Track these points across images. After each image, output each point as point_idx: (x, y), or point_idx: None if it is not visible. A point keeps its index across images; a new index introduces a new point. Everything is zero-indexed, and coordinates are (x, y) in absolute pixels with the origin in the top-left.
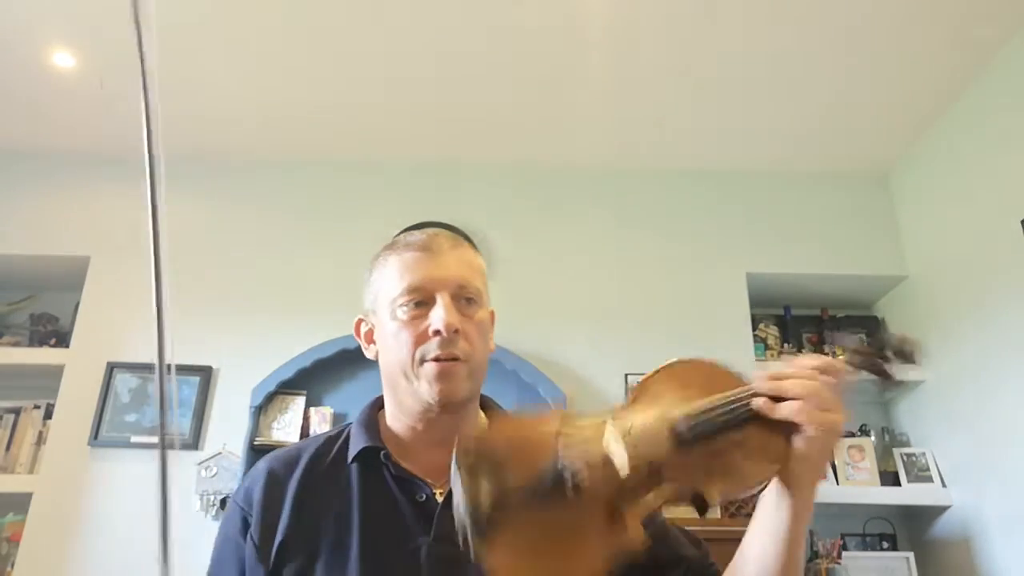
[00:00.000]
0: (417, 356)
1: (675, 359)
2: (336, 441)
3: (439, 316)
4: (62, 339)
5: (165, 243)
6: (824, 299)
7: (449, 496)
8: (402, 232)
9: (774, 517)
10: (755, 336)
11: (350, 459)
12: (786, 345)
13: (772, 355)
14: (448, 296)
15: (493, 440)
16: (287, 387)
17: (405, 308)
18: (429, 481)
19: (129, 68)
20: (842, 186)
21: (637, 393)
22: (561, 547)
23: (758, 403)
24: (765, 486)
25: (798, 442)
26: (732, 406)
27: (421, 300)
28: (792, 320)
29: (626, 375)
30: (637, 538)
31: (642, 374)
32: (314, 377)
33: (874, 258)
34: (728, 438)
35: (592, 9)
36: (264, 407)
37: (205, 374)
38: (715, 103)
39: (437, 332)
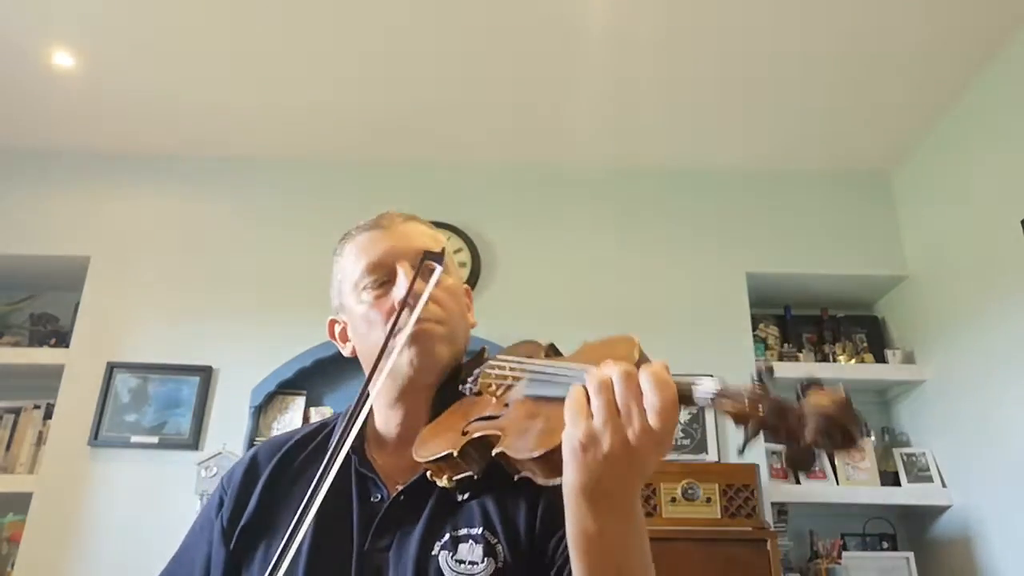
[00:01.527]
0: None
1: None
2: (324, 429)
3: (403, 285)
4: (62, 339)
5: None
6: (824, 299)
7: (394, 502)
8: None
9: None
10: (755, 336)
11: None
12: (786, 345)
13: (772, 355)
14: (408, 265)
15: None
16: (287, 387)
17: (369, 289)
18: (390, 481)
19: (129, 68)
20: (842, 186)
21: (580, 348)
22: (459, 414)
23: (572, 390)
24: (545, 472)
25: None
26: (560, 380)
27: (384, 278)
28: (792, 320)
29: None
30: (463, 436)
31: None
32: (314, 377)
33: (874, 258)
34: (547, 406)
35: (592, 10)
36: (264, 407)
37: (205, 374)
38: (715, 103)
39: (404, 301)
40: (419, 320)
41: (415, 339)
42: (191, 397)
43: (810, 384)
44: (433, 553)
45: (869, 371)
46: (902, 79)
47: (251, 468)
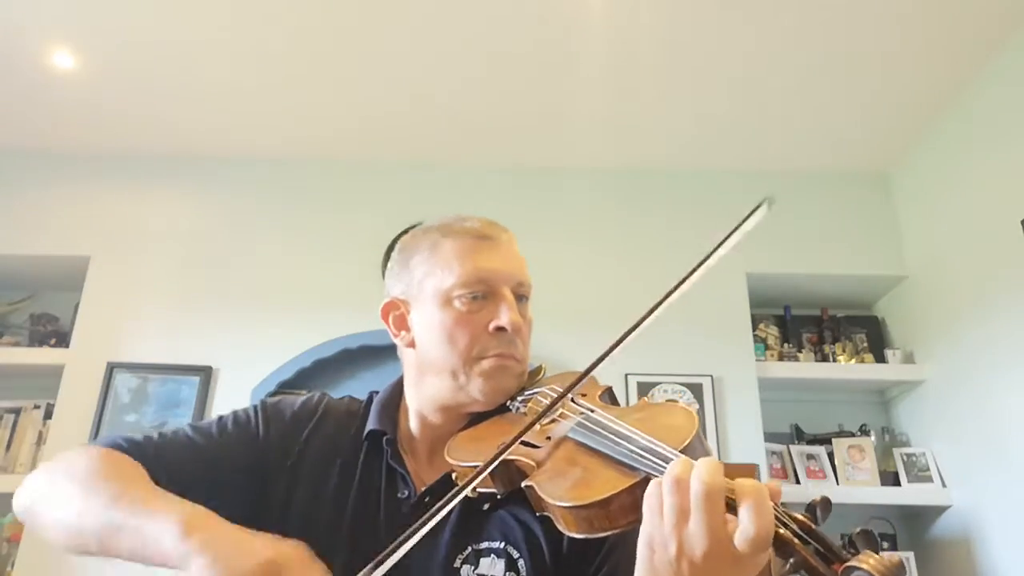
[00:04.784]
0: (475, 352)
1: (692, 410)
2: (357, 418)
3: (506, 315)
4: (62, 339)
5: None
6: (824, 299)
7: (419, 502)
8: (449, 218)
9: None
10: (755, 336)
11: (364, 435)
12: (786, 345)
13: (772, 355)
14: (510, 292)
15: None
16: (287, 387)
17: (463, 300)
18: (417, 480)
19: (129, 68)
20: (842, 186)
21: (638, 407)
22: (499, 428)
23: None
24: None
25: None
26: (610, 440)
27: (482, 292)
28: (792, 320)
29: (626, 375)
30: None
31: (643, 374)
32: (314, 377)
33: (874, 258)
34: (587, 456)
35: (592, 10)
36: None
37: (205, 374)
38: (715, 103)
39: (501, 329)
40: (503, 355)
41: (496, 371)
42: (191, 397)
43: (866, 539)
44: (456, 566)
45: (869, 371)
46: (902, 79)
47: (304, 410)
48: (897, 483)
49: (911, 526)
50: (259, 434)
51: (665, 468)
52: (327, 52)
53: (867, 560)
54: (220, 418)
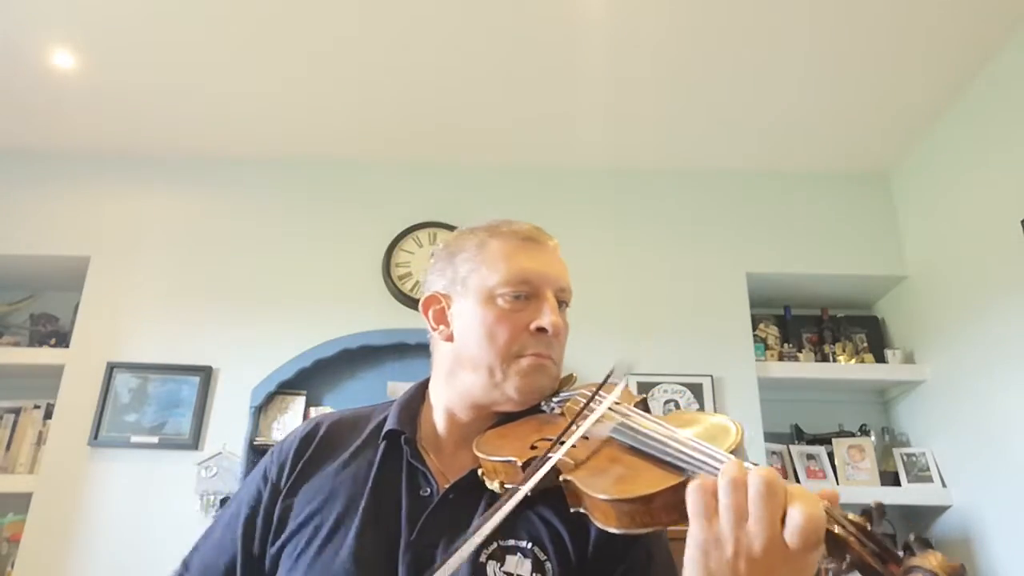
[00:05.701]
0: (514, 350)
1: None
2: (375, 420)
3: (548, 316)
4: (62, 339)
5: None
6: (824, 299)
7: (444, 498)
8: (497, 220)
9: None
10: (755, 336)
11: (381, 436)
12: (786, 345)
13: (772, 355)
14: (553, 295)
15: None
16: (287, 387)
17: (506, 299)
18: (440, 478)
19: (129, 68)
20: (842, 186)
21: (677, 415)
22: (531, 426)
23: (698, 481)
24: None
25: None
26: (651, 444)
27: (526, 293)
28: (792, 320)
29: (626, 375)
30: (531, 450)
31: (643, 374)
32: (314, 377)
33: (874, 258)
34: (630, 455)
35: (592, 9)
36: (264, 407)
37: (205, 374)
38: (715, 103)
39: (542, 330)
40: (540, 355)
41: (533, 369)
42: (191, 397)
43: (924, 544)
44: (481, 561)
45: (869, 371)
46: (902, 79)
47: (303, 431)
48: (897, 483)
49: (911, 526)
50: (268, 478)
51: (718, 469)
52: (327, 52)
53: (929, 559)
54: (239, 490)
